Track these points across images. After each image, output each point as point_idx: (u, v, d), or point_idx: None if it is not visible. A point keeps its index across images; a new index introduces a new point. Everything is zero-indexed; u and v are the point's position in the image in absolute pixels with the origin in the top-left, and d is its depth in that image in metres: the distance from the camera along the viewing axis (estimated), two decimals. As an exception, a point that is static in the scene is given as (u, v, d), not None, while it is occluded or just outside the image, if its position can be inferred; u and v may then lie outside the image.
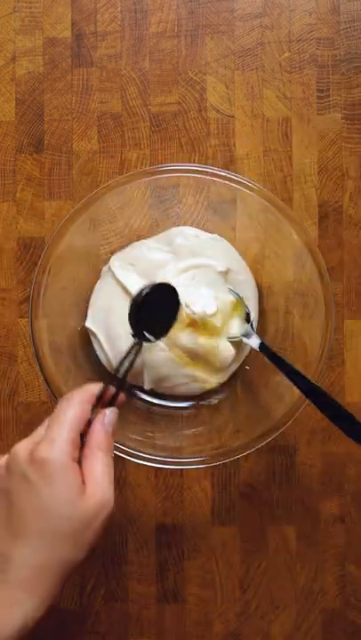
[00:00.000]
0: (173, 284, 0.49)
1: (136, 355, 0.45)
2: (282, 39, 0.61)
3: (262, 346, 0.53)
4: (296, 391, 0.50)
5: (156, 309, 0.46)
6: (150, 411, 0.58)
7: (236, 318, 0.56)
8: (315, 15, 0.61)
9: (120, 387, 0.43)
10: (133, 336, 0.46)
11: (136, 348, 0.45)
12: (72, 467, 0.39)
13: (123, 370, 0.44)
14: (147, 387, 0.57)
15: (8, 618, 0.37)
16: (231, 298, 0.56)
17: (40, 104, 0.61)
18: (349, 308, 0.61)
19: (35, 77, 0.61)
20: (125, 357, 0.45)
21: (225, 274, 0.56)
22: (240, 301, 0.56)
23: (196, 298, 0.54)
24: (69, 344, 0.57)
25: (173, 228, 0.58)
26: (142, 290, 0.46)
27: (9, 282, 0.61)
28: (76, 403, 0.41)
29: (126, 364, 0.44)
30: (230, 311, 0.56)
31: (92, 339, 0.57)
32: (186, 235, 0.57)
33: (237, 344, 0.56)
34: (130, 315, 0.46)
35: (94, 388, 0.42)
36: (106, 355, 0.57)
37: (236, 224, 0.59)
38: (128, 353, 0.45)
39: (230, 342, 0.56)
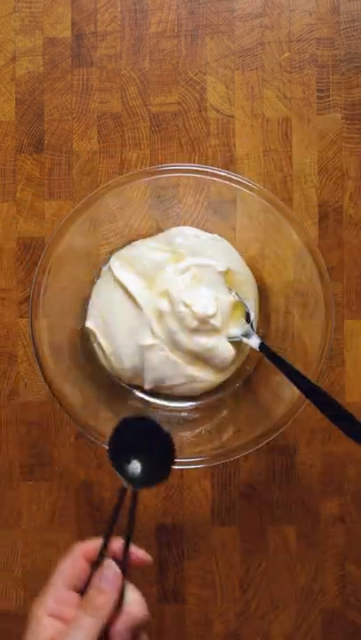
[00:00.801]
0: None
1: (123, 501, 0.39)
2: (282, 39, 0.61)
3: (262, 346, 0.53)
4: (296, 391, 0.50)
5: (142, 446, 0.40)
6: (150, 411, 0.58)
7: (236, 318, 0.56)
8: (315, 15, 0.61)
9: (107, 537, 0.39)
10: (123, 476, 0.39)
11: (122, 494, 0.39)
12: None
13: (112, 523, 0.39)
14: (147, 387, 0.57)
15: None
16: (231, 298, 0.56)
17: (40, 104, 0.61)
18: (349, 307, 0.61)
19: (35, 77, 0.61)
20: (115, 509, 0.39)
21: (225, 274, 0.56)
22: (240, 302, 0.56)
23: (197, 298, 0.54)
24: (69, 344, 0.57)
25: (173, 228, 0.58)
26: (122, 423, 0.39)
27: (9, 282, 0.61)
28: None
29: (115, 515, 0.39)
30: (230, 311, 0.56)
31: (92, 338, 0.57)
32: (186, 235, 0.57)
33: (237, 344, 0.56)
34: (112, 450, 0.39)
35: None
36: (105, 355, 0.57)
37: (236, 224, 0.59)
38: (117, 504, 0.39)
39: (230, 342, 0.56)
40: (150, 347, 0.55)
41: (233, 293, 0.56)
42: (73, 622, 0.36)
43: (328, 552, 0.61)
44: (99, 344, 0.57)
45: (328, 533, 0.61)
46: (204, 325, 0.54)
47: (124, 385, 0.58)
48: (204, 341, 0.54)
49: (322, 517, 0.61)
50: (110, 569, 0.38)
